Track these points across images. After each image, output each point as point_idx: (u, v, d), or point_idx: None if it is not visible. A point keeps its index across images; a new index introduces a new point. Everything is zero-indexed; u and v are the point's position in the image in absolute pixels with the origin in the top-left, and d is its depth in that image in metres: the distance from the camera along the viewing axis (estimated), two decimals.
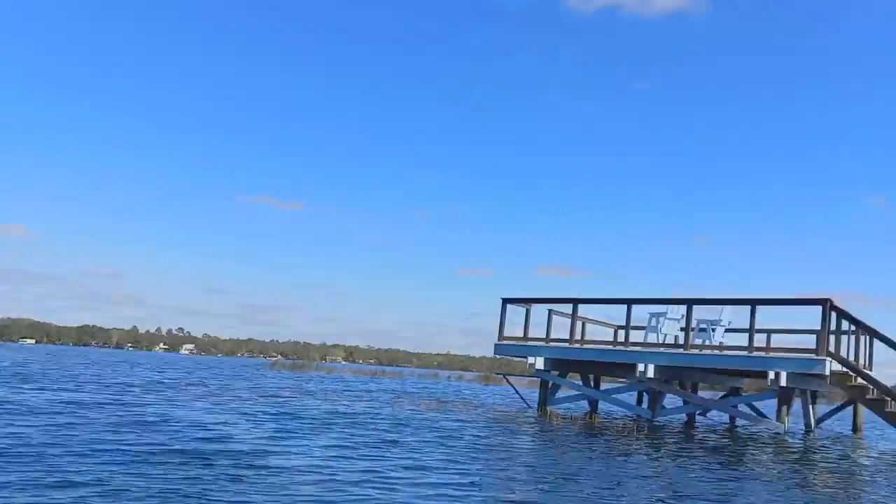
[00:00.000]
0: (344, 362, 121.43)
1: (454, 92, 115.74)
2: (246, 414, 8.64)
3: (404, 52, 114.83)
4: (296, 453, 5.50)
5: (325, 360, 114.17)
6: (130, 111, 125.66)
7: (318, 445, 6.08)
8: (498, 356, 14.74)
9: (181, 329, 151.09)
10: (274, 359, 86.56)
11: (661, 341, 13.45)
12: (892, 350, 11.78)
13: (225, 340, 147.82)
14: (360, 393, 15.95)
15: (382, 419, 9.23)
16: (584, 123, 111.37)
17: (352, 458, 5.51)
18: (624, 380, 14.87)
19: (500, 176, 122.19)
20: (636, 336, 14.08)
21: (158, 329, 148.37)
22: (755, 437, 11.51)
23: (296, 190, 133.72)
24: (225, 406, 9.70)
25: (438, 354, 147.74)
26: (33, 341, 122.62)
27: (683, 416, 15.04)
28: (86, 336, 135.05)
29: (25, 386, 11.22)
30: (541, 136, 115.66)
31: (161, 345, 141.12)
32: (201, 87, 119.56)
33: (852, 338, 12.65)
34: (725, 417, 16.50)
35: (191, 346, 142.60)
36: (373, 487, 4.28)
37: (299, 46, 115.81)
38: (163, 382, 14.95)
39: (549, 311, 14.30)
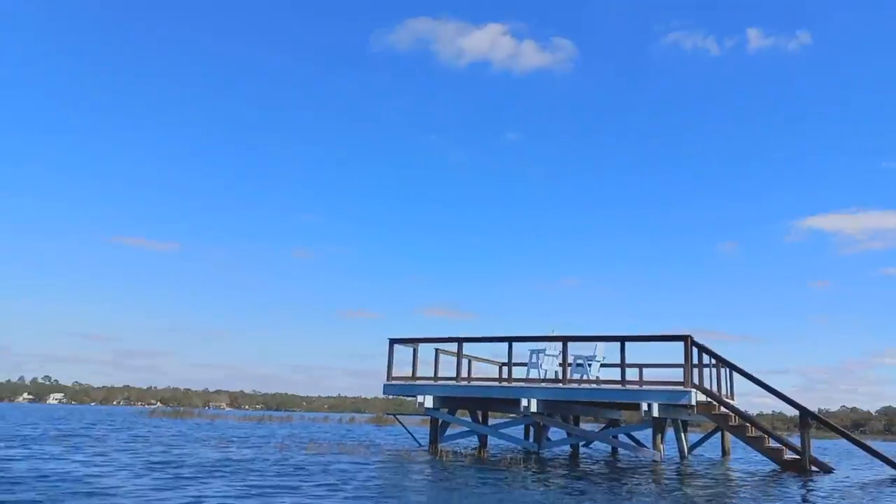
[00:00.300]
0: (229, 408, 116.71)
1: (331, 135, 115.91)
2: (127, 465, 8.32)
3: (281, 95, 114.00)
4: (182, 503, 5.42)
5: (208, 406, 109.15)
6: None
7: (206, 494, 6.00)
8: (387, 396, 14.85)
9: (48, 377, 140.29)
10: (153, 406, 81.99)
11: (542, 377, 14.05)
12: (751, 381, 12.87)
13: (98, 388, 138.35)
14: (248, 439, 15.54)
15: (273, 464, 9.13)
16: (460, 171, 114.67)
17: None
18: (511, 415, 15.38)
19: (382, 220, 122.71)
20: (520, 372, 14.66)
21: (21, 378, 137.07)
22: (634, 465, 12.18)
23: (171, 230, 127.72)
24: (104, 457, 9.28)
25: (329, 397, 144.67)
26: None
27: (568, 448, 15.66)
28: None
29: None
30: (420, 181, 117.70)
31: (25, 394, 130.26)
32: (66, 118, 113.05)
33: (714, 370, 13.76)
34: (608, 448, 17.30)
35: (59, 395, 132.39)
36: None
37: (178, 84, 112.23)
38: (30, 435, 13.98)
39: (436, 350, 14.63)
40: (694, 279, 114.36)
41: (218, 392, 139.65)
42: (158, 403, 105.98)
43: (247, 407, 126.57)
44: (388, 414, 21.72)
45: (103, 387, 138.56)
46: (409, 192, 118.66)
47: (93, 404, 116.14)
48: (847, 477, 11.17)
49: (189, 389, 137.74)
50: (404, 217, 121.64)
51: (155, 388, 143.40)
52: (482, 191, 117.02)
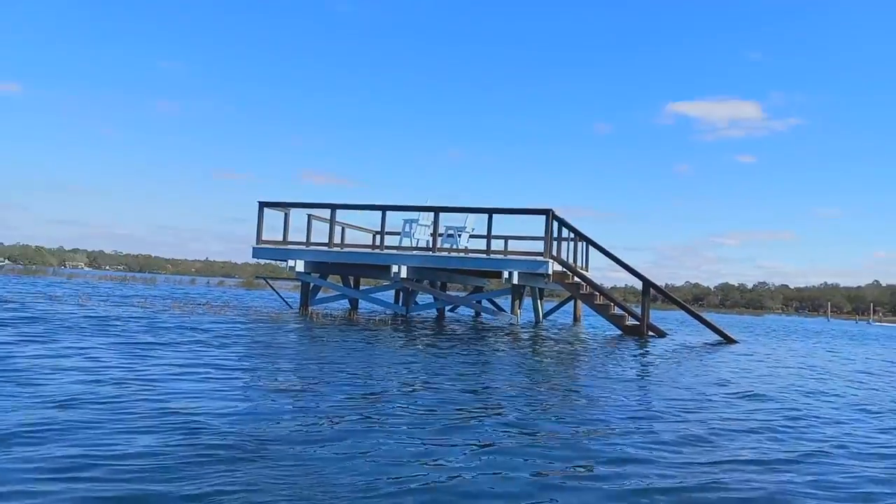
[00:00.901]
0: (87, 268, 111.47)
1: None
2: None
3: None
4: (48, 356, 5.41)
5: (64, 265, 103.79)
6: None
7: (72, 349, 5.99)
8: (257, 260, 14.84)
9: None
10: (1, 263, 76.96)
11: (414, 245, 14.53)
12: (604, 254, 13.96)
13: None
14: (109, 298, 15.18)
15: (139, 321, 9.10)
16: (344, 26, 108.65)
17: (112, 359, 5.56)
18: (383, 282, 15.91)
19: (257, 74, 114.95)
20: (394, 241, 15.05)
21: None
22: (493, 327, 13.13)
23: (11, 69, 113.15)
24: None
25: (196, 261, 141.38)
26: None
27: (435, 312, 16.52)
28: None
29: None
30: (301, 36, 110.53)
31: None
32: None
33: (572, 244, 14.77)
34: (472, 312, 18.39)
35: None
36: (139, 386, 4.47)
37: None
38: None
39: (309, 216, 14.64)
40: (570, 157, 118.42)
41: (75, 251, 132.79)
42: (6, 260, 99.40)
43: (107, 267, 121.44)
44: (258, 277, 21.68)
45: None
46: (288, 44, 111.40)
47: None
48: (677, 340, 12.65)
49: (42, 247, 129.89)
50: (283, 73, 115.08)
51: (2, 244, 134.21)
52: (371, 48, 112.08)
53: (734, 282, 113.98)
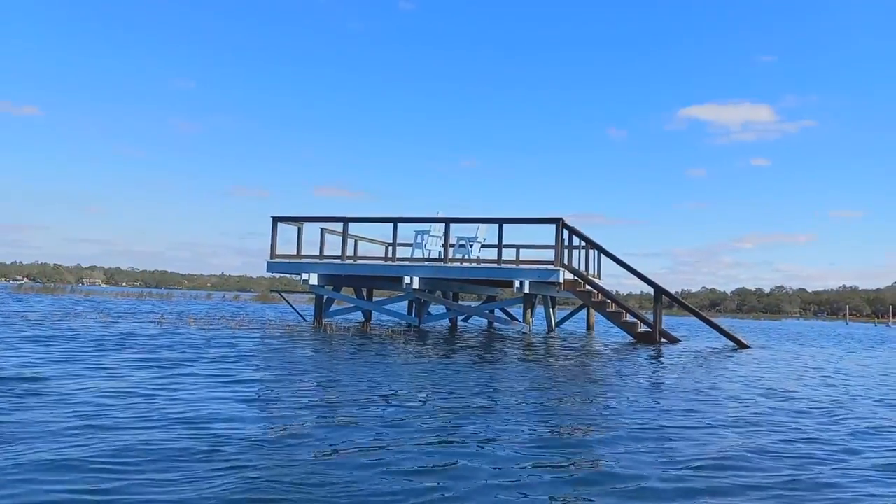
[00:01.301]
0: (104, 285, 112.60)
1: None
2: (14, 338, 8.22)
3: None
4: (79, 376, 5.55)
5: (81, 282, 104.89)
6: None
7: (103, 365, 6.15)
8: (271, 274, 15.05)
9: None
10: (20, 281, 77.96)
11: (426, 256, 14.67)
12: (615, 261, 14.02)
13: None
14: (129, 314, 15.42)
15: (158, 337, 9.28)
16: (355, 41, 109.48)
17: (128, 372, 5.71)
18: (396, 294, 16.05)
19: (270, 90, 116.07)
20: (405, 253, 15.20)
21: None
22: (506, 336, 13.22)
23: (30, 92, 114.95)
24: None
25: (212, 276, 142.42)
26: None
27: (447, 322, 16.63)
28: None
29: None
30: (312, 52, 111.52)
31: None
32: None
33: (583, 252, 14.84)
34: (484, 322, 18.48)
35: None
36: (163, 397, 4.61)
37: None
38: None
39: (322, 229, 14.84)
40: (583, 163, 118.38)
41: (92, 268, 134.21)
42: (25, 279, 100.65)
43: (124, 284, 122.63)
44: (273, 291, 21.97)
45: None
46: (300, 58, 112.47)
47: None
48: (689, 347, 12.67)
49: (60, 265, 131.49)
50: (295, 88, 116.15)
51: (21, 263, 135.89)
52: (381, 64, 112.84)
53: (751, 286, 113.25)
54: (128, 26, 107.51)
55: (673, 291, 13.46)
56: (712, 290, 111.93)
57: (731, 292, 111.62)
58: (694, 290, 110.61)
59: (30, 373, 5.36)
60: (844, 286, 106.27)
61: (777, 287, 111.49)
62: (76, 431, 3.45)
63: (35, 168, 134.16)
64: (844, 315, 72.99)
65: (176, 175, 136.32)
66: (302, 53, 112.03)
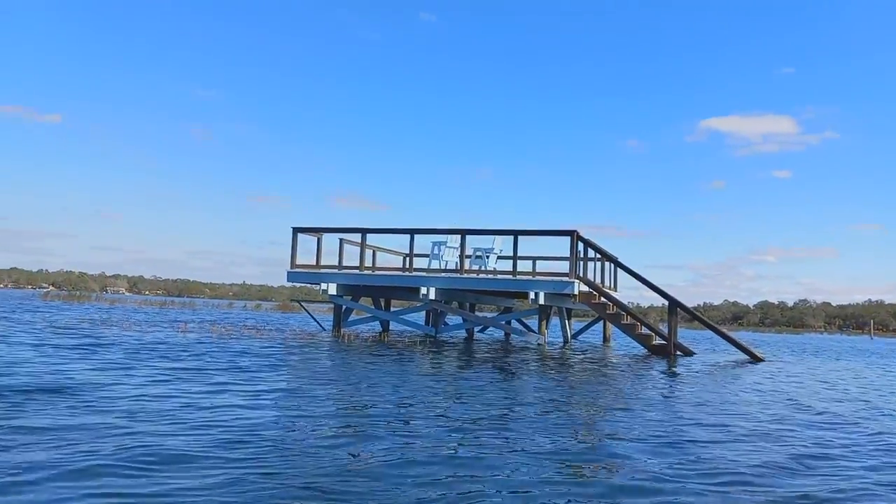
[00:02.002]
0: (128, 293, 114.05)
1: (233, 5, 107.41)
2: (49, 345, 8.55)
3: None
4: (122, 384, 5.78)
5: (105, 290, 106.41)
6: None
7: (136, 374, 6.41)
8: (293, 284, 15.34)
9: None
10: (45, 289, 79.17)
11: (443, 267, 14.89)
12: (630, 274, 14.14)
13: None
14: (153, 322, 15.80)
15: (185, 346, 9.58)
16: (374, 51, 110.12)
17: (160, 380, 5.98)
18: (413, 304, 16.29)
19: (288, 99, 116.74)
20: (422, 263, 15.44)
21: None
22: (521, 347, 13.37)
23: (52, 100, 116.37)
24: (16, 338, 9.42)
25: (233, 285, 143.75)
26: None
27: (464, 333, 16.81)
28: None
29: None
30: (331, 62, 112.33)
31: None
32: None
33: (598, 264, 14.98)
34: (500, 332, 18.64)
35: None
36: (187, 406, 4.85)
37: None
38: None
39: (340, 240, 15.13)
40: (603, 175, 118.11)
41: (116, 276, 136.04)
42: (51, 287, 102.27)
43: (147, 292, 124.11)
44: (293, 300, 22.29)
45: None
46: (317, 69, 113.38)
47: None
48: (703, 360, 12.75)
49: (84, 273, 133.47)
50: (313, 97, 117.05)
51: (46, 271, 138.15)
52: (397, 73, 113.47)
53: (774, 300, 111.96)
54: (149, 36, 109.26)
55: (694, 304, 13.63)
56: (734, 304, 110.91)
57: (754, 305, 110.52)
58: (716, 302, 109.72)
59: (64, 379, 5.65)
60: (870, 300, 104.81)
61: (801, 300, 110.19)
62: (115, 436, 3.70)
63: (58, 176, 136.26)
64: (869, 329, 72.01)
65: (197, 184, 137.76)
66: (321, 64, 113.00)
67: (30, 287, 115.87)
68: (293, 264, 15.00)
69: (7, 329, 10.84)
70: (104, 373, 6.13)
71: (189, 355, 8.17)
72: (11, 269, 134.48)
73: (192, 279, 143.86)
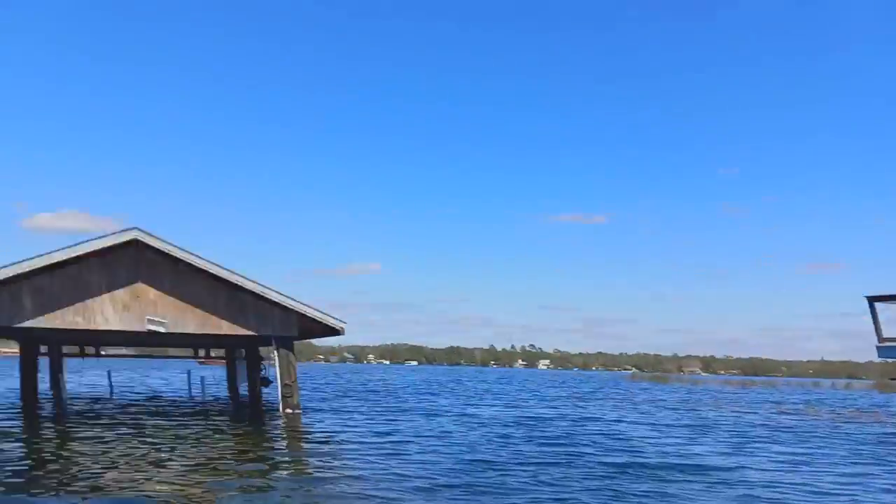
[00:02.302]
0: (703, 373, 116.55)
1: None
2: (670, 425, 9.08)
3: None
4: (742, 467, 5.76)
5: (681, 371, 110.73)
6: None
7: (764, 456, 6.29)
8: (883, 359, 13.20)
9: (532, 345, 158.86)
10: (629, 371, 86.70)
11: None
12: None
13: (575, 355, 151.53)
14: (755, 404, 15.55)
15: (783, 428, 9.11)
16: None
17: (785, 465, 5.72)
18: None
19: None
20: None
21: (512, 346, 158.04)
22: None
23: (599, 205, 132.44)
24: (648, 418, 10.24)
25: (811, 361, 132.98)
26: (416, 363, 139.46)
27: None
28: (454, 356, 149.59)
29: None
30: None
31: (520, 361, 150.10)
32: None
33: None
34: None
35: (546, 361, 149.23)
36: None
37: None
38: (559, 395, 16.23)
39: None
40: None
41: (688, 357, 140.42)
42: (634, 369, 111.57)
43: (722, 372, 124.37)
44: (893, 379, 19.30)
45: (580, 353, 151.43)
46: None
47: (574, 369, 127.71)
48: None
49: (659, 354, 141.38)
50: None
51: (626, 353, 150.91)
52: None
53: None
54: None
55: None
56: None
57: None
58: None
59: (690, 459, 5.88)
60: None
61: None
62: None
63: (610, 269, 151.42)
64: None
65: (736, 260, 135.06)
66: None
67: (614, 368, 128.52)
68: (880, 338, 12.98)
69: (617, 408, 12.05)
70: (726, 457, 6.15)
71: (797, 440, 7.66)
72: (598, 353, 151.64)
73: (763, 357, 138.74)
